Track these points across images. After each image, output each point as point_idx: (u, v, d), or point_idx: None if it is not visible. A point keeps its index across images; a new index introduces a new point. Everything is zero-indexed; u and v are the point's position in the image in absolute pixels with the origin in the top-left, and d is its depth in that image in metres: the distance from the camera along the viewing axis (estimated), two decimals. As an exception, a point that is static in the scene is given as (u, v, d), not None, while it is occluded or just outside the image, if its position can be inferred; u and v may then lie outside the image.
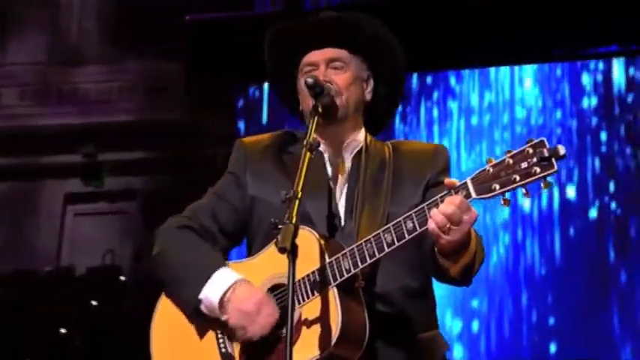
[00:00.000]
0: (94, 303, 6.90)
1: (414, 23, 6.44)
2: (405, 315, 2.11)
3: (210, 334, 2.16)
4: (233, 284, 2.10)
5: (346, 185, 2.21)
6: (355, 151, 2.24)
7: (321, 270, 2.03)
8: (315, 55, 2.22)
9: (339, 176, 2.23)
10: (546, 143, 1.80)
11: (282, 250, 1.83)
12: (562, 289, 6.78)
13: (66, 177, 8.30)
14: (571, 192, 7.01)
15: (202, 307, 2.13)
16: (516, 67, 7.07)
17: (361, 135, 2.26)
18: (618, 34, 6.54)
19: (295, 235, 1.86)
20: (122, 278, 7.23)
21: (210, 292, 2.11)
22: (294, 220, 1.87)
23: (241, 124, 7.42)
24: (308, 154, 1.98)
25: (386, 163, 2.21)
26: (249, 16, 6.87)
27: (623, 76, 6.90)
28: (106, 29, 8.99)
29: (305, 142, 1.99)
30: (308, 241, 2.00)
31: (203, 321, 2.14)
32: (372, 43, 2.24)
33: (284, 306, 2.02)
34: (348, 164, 2.23)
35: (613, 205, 6.83)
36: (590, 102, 6.93)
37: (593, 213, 6.88)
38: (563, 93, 6.98)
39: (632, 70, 6.88)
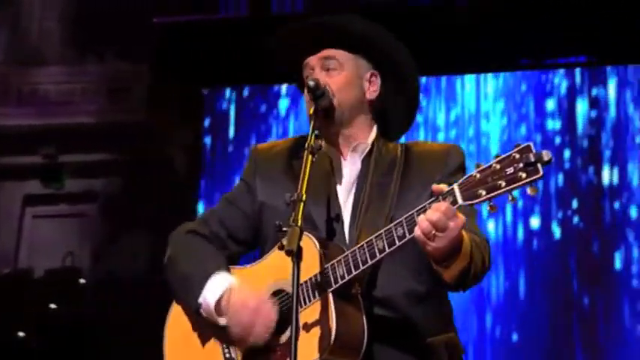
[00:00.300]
0: (52, 306, 6.83)
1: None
2: (410, 320, 2.09)
3: (215, 339, 2.18)
4: (227, 289, 2.11)
5: (354, 189, 2.20)
6: (365, 154, 2.22)
7: (319, 276, 2.04)
8: (312, 58, 2.24)
9: (347, 179, 2.21)
10: (532, 148, 1.78)
11: (288, 253, 1.85)
12: (526, 311, 6.76)
13: (25, 178, 8.19)
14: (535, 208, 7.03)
15: (202, 312, 2.15)
16: (482, 82, 7.09)
17: (371, 136, 2.24)
18: (585, 46, 6.61)
19: (300, 237, 1.88)
20: (82, 281, 7.16)
21: (208, 297, 2.13)
22: (299, 223, 1.88)
23: (206, 125, 7.36)
24: (309, 157, 2.00)
25: (395, 166, 2.19)
26: (215, 19, 6.86)
27: (586, 93, 6.94)
28: (67, 29, 8.89)
29: (306, 145, 2.01)
30: (308, 246, 1.99)
31: (207, 325, 2.16)
32: (366, 41, 2.22)
33: (286, 310, 2.05)
34: (357, 167, 2.21)
35: (575, 219, 6.84)
36: (554, 118, 6.97)
37: (556, 229, 6.90)
38: (528, 107, 7.02)
39: (594, 90, 6.89)
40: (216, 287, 2.14)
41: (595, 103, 6.86)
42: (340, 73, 2.22)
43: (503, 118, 7.06)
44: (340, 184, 2.23)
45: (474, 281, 2.08)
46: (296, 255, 1.87)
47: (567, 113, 6.88)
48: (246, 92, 7.31)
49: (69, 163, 7.97)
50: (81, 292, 7.11)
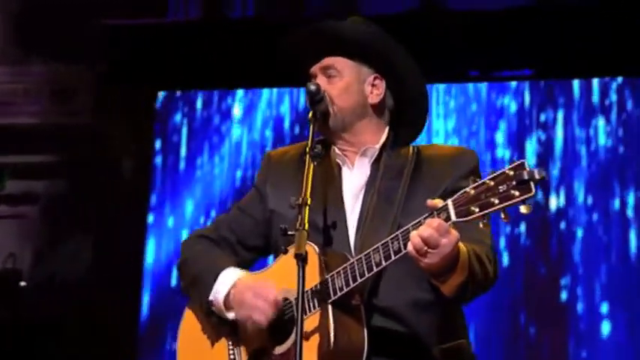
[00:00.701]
0: (-8, 307, 6.71)
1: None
2: (415, 330, 2.08)
3: (223, 342, 2.23)
4: (235, 281, 2.15)
5: (361, 195, 2.19)
6: (374, 158, 2.22)
7: (319, 286, 2.05)
8: (314, 68, 2.28)
9: (355, 185, 2.21)
10: (526, 165, 1.75)
11: (297, 257, 1.86)
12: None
13: (-35, 180, 8.02)
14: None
15: (214, 309, 2.19)
16: (433, 100, 7.14)
17: (381, 140, 2.24)
18: (533, 60, 6.73)
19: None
20: (22, 283, 7.05)
21: (218, 293, 2.16)
22: (306, 227, 1.90)
23: (156, 130, 7.31)
24: (310, 162, 2.03)
25: (404, 170, 2.17)
26: (165, 23, 6.83)
27: (536, 106, 7.06)
28: (10, 29, 8.75)
29: (307, 150, 2.05)
30: (311, 257, 1.99)
31: (217, 325, 2.21)
32: (363, 47, 2.24)
33: (290, 318, 2.09)
34: (365, 172, 2.20)
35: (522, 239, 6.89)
36: (503, 134, 7.07)
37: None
38: (478, 125, 7.12)
39: (545, 114, 6.97)
40: (225, 282, 2.17)
41: (543, 124, 7.00)
42: (340, 80, 2.23)
43: (453, 136, 7.16)
44: (348, 190, 2.22)
45: (475, 293, 2.06)
46: (303, 259, 1.87)
47: (516, 134, 7.01)
48: (197, 96, 7.28)
49: (10, 165, 7.83)
50: (21, 294, 7.00)
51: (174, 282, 6.65)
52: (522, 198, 1.76)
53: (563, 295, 6.55)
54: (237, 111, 7.03)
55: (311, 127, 2.12)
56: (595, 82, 6.83)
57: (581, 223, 6.70)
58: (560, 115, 6.90)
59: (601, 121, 6.73)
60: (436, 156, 2.24)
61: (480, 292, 2.09)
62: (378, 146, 2.25)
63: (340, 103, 2.23)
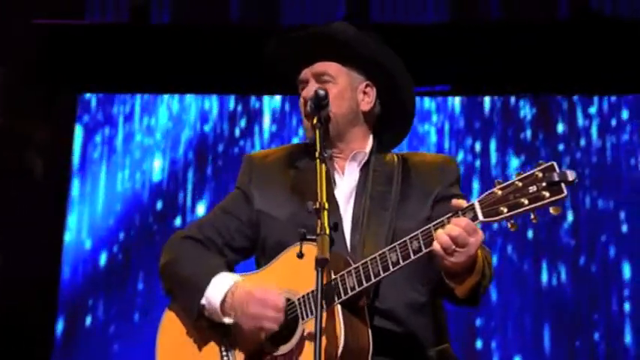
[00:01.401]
0: None
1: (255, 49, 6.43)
2: (412, 331, 2.11)
3: (213, 345, 2.17)
4: (231, 287, 2.12)
5: (352, 198, 2.21)
6: (362, 163, 2.25)
7: (326, 287, 2.01)
8: (305, 72, 2.28)
9: (346, 189, 2.23)
10: (556, 167, 1.78)
11: (322, 261, 1.85)
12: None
13: None
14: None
15: (206, 313, 2.14)
16: None
17: (368, 146, 2.27)
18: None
19: (331, 245, 1.90)
20: None
21: (212, 297, 2.12)
22: (327, 231, 1.90)
23: (74, 132, 7.15)
24: (322, 166, 2.01)
25: (393, 176, 2.21)
26: (87, 25, 6.72)
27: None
28: None
29: (317, 154, 2.02)
30: (311, 255, 1.96)
31: (207, 329, 2.16)
32: (356, 53, 2.25)
33: (293, 319, 2.08)
34: (355, 177, 2.23)
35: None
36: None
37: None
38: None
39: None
40: (220, 286, 2.14)
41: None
42: (334, 86, 2.25)
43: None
44: (340, 193, 2.24)
45: (482, 295, 2.11)
46: (323, 264, 1.86)
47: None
48: (114, 99, 7.17)
49: None
50: None
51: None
52: (554, 199, 1.77)
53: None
54: (155, 113, 6.98)
55: (317, 132, 2.10)
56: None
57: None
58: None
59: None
60: (422, 163, 2.29)
61: (480, 298, 2.12)
62: (367, 151, 2.29)
63: (334, 109, 2.24)
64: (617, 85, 6.63)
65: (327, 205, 1.95)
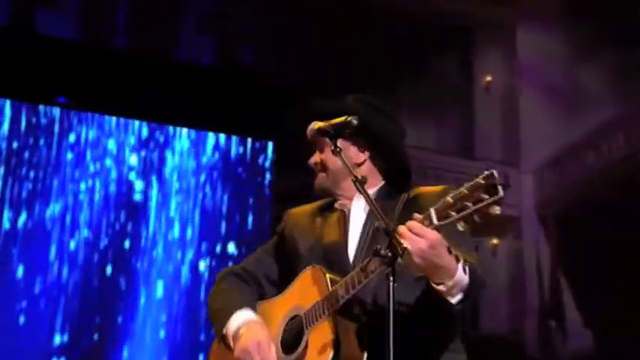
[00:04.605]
0: None
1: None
2: (413, 335, 2.30)
3: None
4: (246, 322, 2.49)
5: (359, 233, 2.53)
6: (368, 208, 2.51)
7: (325, 298, 2.39)
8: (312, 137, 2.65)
9: (355, 226, 2.57)
10: (495, 175, 2.09)
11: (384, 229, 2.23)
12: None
13: None
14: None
15: (226, 340, 2.58)
16: None
17: (374, 189, 2.59)
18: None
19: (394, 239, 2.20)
20: None
21: (230, 328, 2.58)
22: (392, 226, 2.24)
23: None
24: (363, 189, 2.39)
25: (397, 204, 2.52)
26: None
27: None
28: None
29: (352, 179, 2.42)
30: (318, 276, 2.45)
31: (229, 352, 2.58)
32: (361, 130, 2.61)
33: (296, 333, 2.46)
34: (363, 216, 2.55)
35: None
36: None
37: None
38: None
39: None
40: (237, 321, 2.57)
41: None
42: (324, 150, 2.68)
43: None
44: (351, 230, 2.59)
45: (474, 299, 2.29)
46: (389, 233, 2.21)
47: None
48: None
49: None
50: None
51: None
52: (492, 200, 2.08)
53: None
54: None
55: (340, 156, 2.54)
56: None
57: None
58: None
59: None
60: (424, 193, 2.60)
61: (475, 297, 2.31)
62: (372, 194, 2.58)
63: (330, 167, 2.72)
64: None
65: (395, 226, 2.24)
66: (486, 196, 2.07)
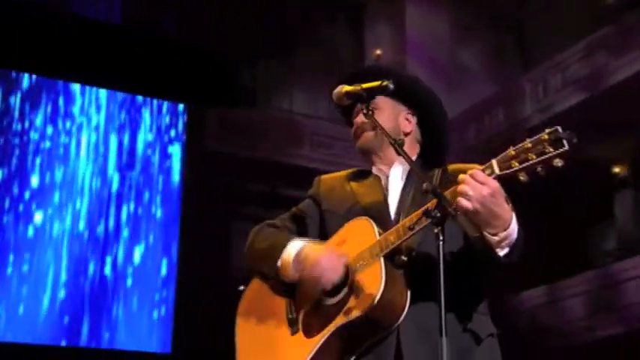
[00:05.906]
0: None
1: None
2: (455, 287, 2.22)
3: (282, 304, 2.57)
4: (303, 247, 2.51)
5: (399, 196, 2.58)
6: (406, 175, 2.64)
7: (374, 244, 2.38)
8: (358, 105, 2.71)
9: (394, 190, 2.61)
10: (559, 130, 2.11)
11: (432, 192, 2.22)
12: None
13: None
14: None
15: (280, 272, 2.53)
16: None
17: (413, 158, 2.65)
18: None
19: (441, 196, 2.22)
20: None
21: (286, 259, 2.51)
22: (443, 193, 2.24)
23: None
24: (403, 151, 2.44)
25: (434, 177, 2.58)
26: None
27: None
28: None
29: (390, 142, 2.48)
30: (365, 226, 2.44)
31: (280, 290, 2.58)
32: (406, 93, 2.70)
33: (344, 274, 2.41)
34: (400, 183, 2.62)
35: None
36: None
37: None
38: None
39: None
40: (294, 248, 2.52)
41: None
42: (380, 113, 2.65)
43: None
44: (389, 194, 2.58)
45: (517, 258, 2.30)
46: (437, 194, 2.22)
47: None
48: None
49: None
50: None
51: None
52: (556, 152, 2.09)
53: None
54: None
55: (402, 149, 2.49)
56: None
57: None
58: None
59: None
60: (462, 167, 2.54)
61: (518, 255, 2.30)
62: (407, 165, 2.61)
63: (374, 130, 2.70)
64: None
65: (438, 189, 2.25)
66: (551, 149, 2.09)
